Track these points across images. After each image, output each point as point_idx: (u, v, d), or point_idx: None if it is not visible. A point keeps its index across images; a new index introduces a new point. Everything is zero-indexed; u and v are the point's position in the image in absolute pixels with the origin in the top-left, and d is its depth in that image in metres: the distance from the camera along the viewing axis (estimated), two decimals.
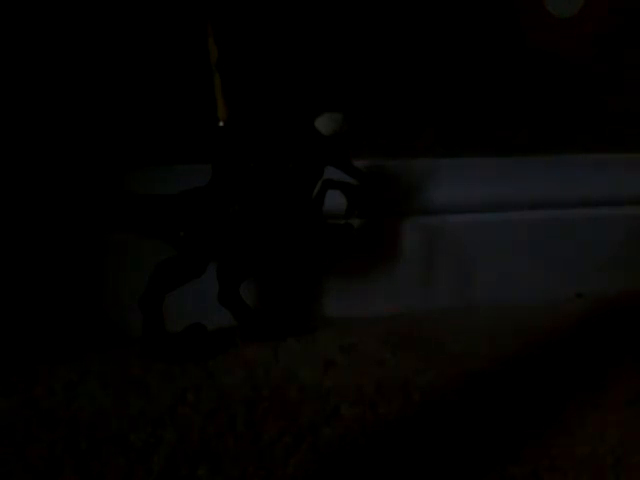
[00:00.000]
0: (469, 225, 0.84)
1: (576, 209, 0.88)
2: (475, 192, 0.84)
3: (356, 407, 0.58)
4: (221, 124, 0.70)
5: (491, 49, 0.84)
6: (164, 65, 0.74)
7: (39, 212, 0.71)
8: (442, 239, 0.83)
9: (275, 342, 0.72)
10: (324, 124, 0.70)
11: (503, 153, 0.86)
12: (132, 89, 0.73)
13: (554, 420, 0.57)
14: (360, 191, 0.75)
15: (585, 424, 0.56)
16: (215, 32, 0.69)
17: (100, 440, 0.52)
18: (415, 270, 0.83)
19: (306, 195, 0.71)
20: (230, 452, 0.51)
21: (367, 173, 0.76)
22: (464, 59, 0.84)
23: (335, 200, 0.73)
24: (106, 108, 0.73)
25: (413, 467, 0.50)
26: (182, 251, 0.67)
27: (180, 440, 0.53)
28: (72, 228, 0.71)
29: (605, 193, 0.89)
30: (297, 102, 0.78)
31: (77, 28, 0.71)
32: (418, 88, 0.83)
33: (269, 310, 0.78)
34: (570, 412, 0.58)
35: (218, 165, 0.69)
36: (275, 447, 0.52)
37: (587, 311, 0.84)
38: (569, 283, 0.88)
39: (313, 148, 0.70)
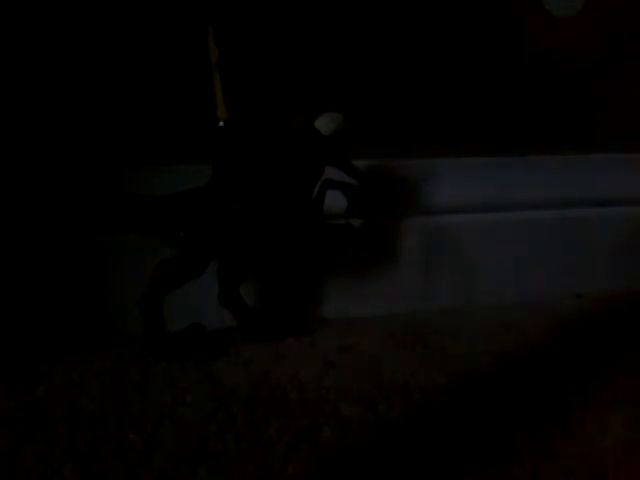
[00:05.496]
0: (469, 225, 0.84)
1: (576, 209, 0.88)
2: (475, 192, 0.84)
3: (356, 407, 0.58)
4: (221, 124, 0.70)
5: (491, 50, 0.84)
6: (164, 65, 0.74)
7: (40, 214, 0.71)
8: (442, 239, 0.83)
9: (275, 342, 0.72)
10: (324, 124, 0.70)
11: (503, 153, 0.86)
12: (133, 90, 0.73)
13: (554, 420, 0.57)
14: (360, 191, 0.75)
15: (585, 424, 0.56)
16: (215, 32, 0.69)
17: (100, 440, 0.53)
18: (415, 270, 0.83)
19: (306, 195, 0.71)
20: (230, 452, 0.51)
21: (367, 173, 0.76)
22: (464, 60, 0.84)
23: (335, 200, 0.73)
24: (107, 109, 0.73)
25: (413, 467, 0.51)
26: (182, 251, 0.67)
27: (180, 440, 0.53)
28: (72, 229, 0.71)
29: (605, 193, 0.89)
30: (297, 102, 0.78)
31: (77, 29, 0.71)
32: (419, 89, 0.83)
33: (269, 310, 0.78)
34: (570, 412, 0.58)
35: (218, 165, 0.69)
36: (275, 447, 0.52)
37: (587, 311, 0.84)
38: (569, 283, 0.88)
39: (313, 148, 0.70)
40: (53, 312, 0.71)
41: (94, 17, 0.71)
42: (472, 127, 0.85)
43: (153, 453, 0.51)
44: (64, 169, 0.72)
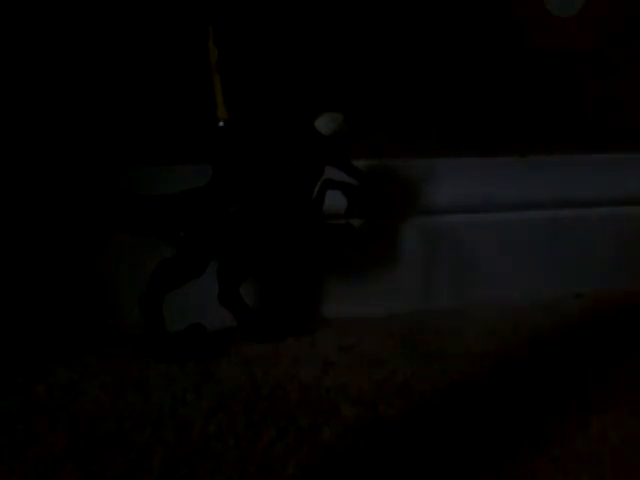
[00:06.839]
0: (469, 225, 0.84)
1: (576, 209, 0.88)
2: (475, 192, 0.84)
3: (356, 407, 0.58)
4: (221, 124, 0.70)
5: (491, 49, 0.84)
6: (164, 66, 0.74)
7: (40, 214, 0.71)
8: (442, 239, 0.83)
9: (275, 342, 0.72)
10: (324, 124, 0.70)
11: (503, 153, 0.86)
12: (133, 90, 0.73)
13: (554, 420, 0.57)
14: (360, 191, 0.75)
15: (585, 424, 0.56)
16: (215, 33, 0.69)
17: (100, 440, 0.52)
18: (415, 270, 0.83)
19: (306, 195, 0.71)
20: (230, 452, 0.51)
21: (367, 173, 0.76)
22: (464, 59, 0.84)
23: (335, 200, 0.73)
24: (107, 109, 0.73)
25: (413, 467, 0.50)
26: (182, 251, 0.67)
27: (180, 440, 0.53)
28: (72, 229, 0.71)
29: (605, 193, 0.89)
30: (297, 102, 0.78)
31: (78, 30, 0.71)
32: (419, 89, 0.83)
33: (269, 310, 0.78)
34: (570, 412, 0.58)
35: (218, 165, 0.69)
36: (275, 447, 0.52)
37: (587, 311, 0.84)
38: (569, 283, 0.88)
39: (313, 148, 0.70)
40: (53, 311, 0.71)
41: (94, 17, 0.71)
42: (472, 127, 0.86)
43: (153, 453, 0.51)
44: (64, 169, 0.72)
